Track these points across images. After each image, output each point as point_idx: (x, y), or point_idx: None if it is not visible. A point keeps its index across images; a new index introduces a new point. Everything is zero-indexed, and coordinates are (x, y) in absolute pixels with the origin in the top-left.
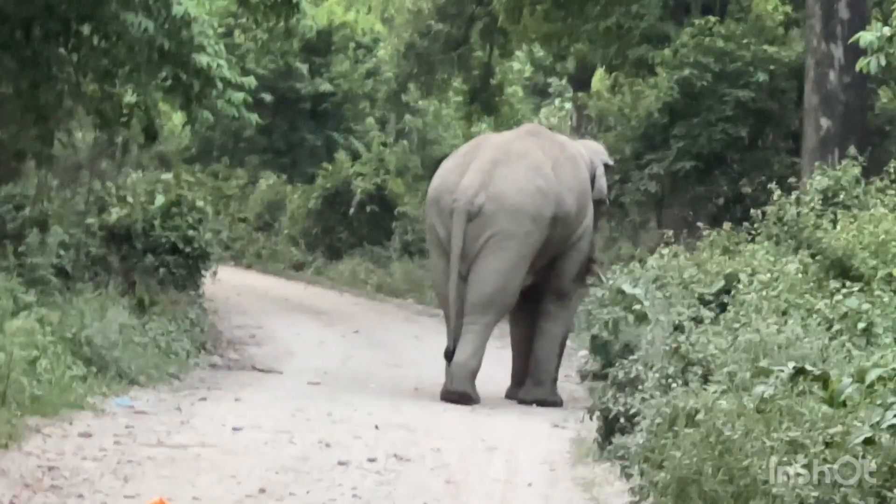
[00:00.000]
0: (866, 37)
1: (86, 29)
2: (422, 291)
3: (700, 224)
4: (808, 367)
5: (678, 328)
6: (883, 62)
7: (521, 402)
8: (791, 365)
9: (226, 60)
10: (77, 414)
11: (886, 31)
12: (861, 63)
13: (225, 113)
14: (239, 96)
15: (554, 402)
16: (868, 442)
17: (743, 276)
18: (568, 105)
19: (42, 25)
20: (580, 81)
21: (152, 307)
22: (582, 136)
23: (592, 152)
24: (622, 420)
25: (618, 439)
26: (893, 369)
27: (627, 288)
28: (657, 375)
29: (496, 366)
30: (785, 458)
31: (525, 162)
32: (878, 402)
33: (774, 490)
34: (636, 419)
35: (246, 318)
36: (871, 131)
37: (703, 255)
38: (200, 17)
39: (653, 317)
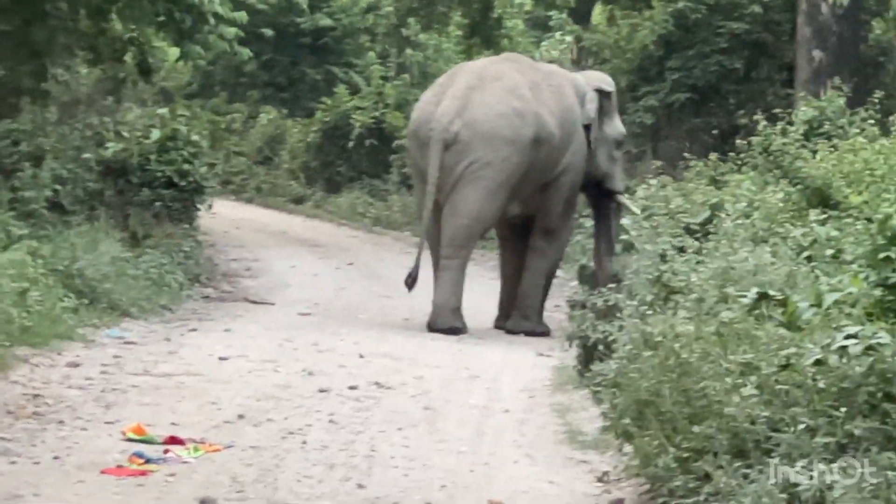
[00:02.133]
0: None
1: None
2: (418, 224)
3: (686, 155)
4: (771, 293)
5: (663, 257)
6: None
7: (509, 332)
8: (754, 290)
9: None
10: (67, 344)
11: None
12: None
13: (217, 48)
14: (231, 31)
15: (541, 332)
16: (818, 363)
17: (728, 206)
18: (569, 38)
19: None
20: (580, 15)
21: (146, 240)
22: (582, 70)
23: (590, 80)
24: (600, 347)
25: (596, 366)
26: (850, 293)
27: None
28: (636, 303)
29: (486, 296)
30: (739, 380)
31: (500, 84)
32: (833, 325)
33: (726, 410)
34: (613, 346)
35: (243, 251)
36: (864, 62)
37: (690, 185)
38: None
39: (639, 246)
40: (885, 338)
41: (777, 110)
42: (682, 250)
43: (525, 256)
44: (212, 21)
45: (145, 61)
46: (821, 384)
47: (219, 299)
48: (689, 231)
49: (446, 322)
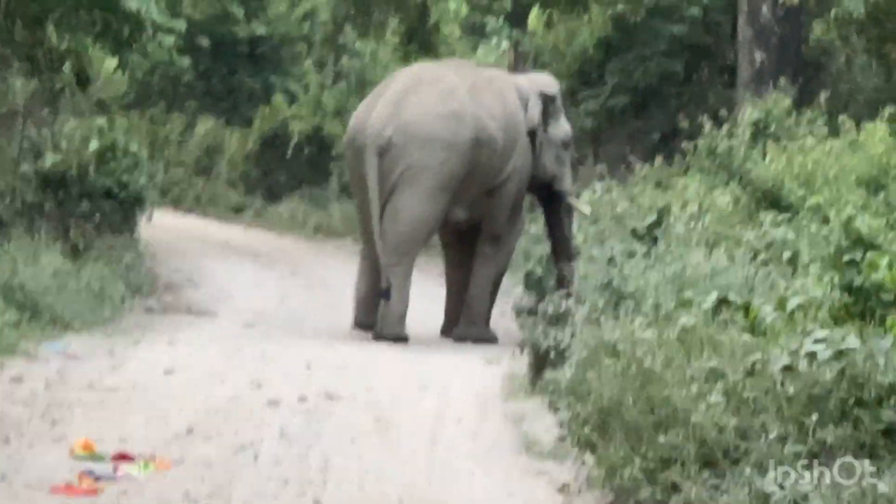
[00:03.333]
0: None
1: None
2: (356, 231)
3: (631, 158)
4: (731, 297)
5: (610, 262)
6: None
7: (457, 340)
8: (713, 295)
9: (155, 4)
10: (8, 359)
11: None
12: None
13: (156, 57)
14: (169, 40)
15: (488, 339)
16: (787, 369)
17: (675, 210)
18: (504, 44)
19: None
20: (517, 19)
21: (87, 252)
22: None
23: (533, 83)
24: (552, 355)
25: (548, 374)
26: (813, 297)
27: None
28: (587, 309)
29: (435, 303)
30: (705, 387)
31: (436, 87)
32: (798, 329)
33: (693, 418)
34: (566, 353)
35: (184, 261)
36: (805, 63)
37: (636, 189)
38: None
39: (586, 252)
40: (854, 342)
41: (721, 112)
42: (630, 255)
43: (471, 263)
44: (150, 30)
45: (83, 71)
46: (790, 390)
47: (162, 311)
48: (636, 235)
49: (393, 330)
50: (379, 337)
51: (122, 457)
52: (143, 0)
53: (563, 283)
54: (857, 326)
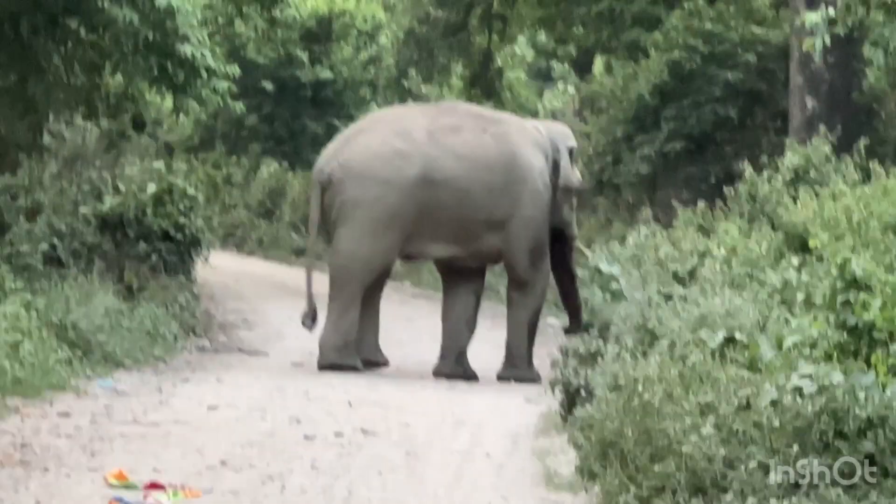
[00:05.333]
0: (811, 17)
1: (72, 22)
2: (418, 274)
3: (674, 202)
4: (738, 336)
5: (650, 304)
6: (828, 42)
7: (500, 378)
8: (721, 334)
9: (210, 50)
10: (58, 395)
11: (831, 12)
12: (807, 44)
13: (210, 102)
14: (223, 85)
15: (530, 378)
16: (774, 403)
17: (717, 254)
18: (571, 89)
19: (29, 19)
20: (582, 65)
21: (141, 292)
22: (583, 121)
23: (557, 135)
24: (583, 392)
25: (578, 411)
26: (809, 335)
27: (604, 266)
28: (616, 348)
29: (483, 344)
30: (699, 420)
31: (389, 127)
32: (792, 366)
33: (685, 449)
34: (593, 391)
35: (241, 303)
36: (857, 110)
37: (678, 233)
38: (184, 7)
39: (628, 294)
40: (837, 377)
41: (773, 157)
42: (669, 297)
43: (468, 303)
44: (204, 75)
45: (140, 115)
46: (776, 423)
47: (213, 351)
48: (677, 278)
49: (328, 359)
50: (319, 366)
51: (154, 486)
52: (197, 46)
53: (577, 319)
54: (846, 363)
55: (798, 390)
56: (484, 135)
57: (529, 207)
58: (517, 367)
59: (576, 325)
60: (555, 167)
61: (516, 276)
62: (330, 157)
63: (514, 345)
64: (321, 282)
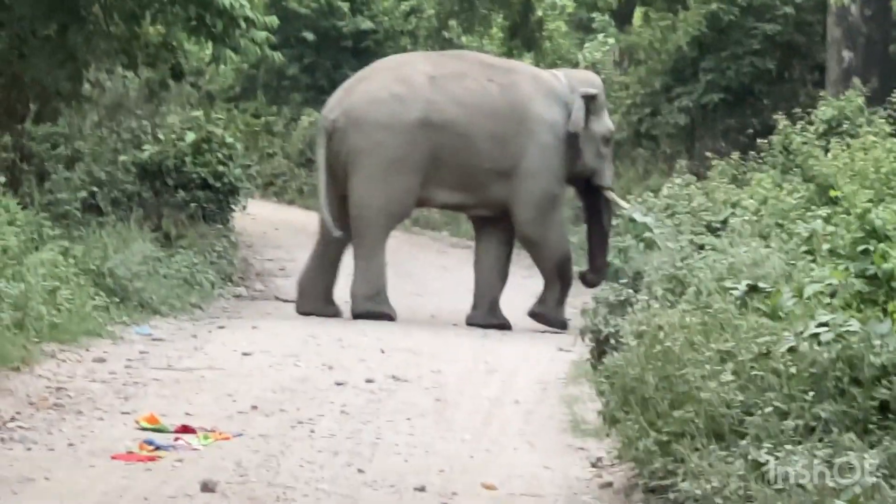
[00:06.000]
0: None
1: None
2: (458, 224)
3: (708, 154)
4: (761, 285)
5: (681, 254)
6: None
7: (529, 314)
8: (744, 282)
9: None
10: (94, 341)
11: None
12: None
13: (248, 52)
14: (261, 35)
15: (558, 322)
16: (791, 350)
17: (748, 204)
18: (611, 41)
19: None
20: (623, 17)
21: (179, 240)
22: (624, 72)
23: (574, 81)
24: (612, 340)
25: (607, 359)
26: (829, 284)
27: (638, 216)
28: (646, 297)
29: (518, 293)
30: (718, 367)
31: (389, 74)
32: (811, 314)
33: (703, 395)
34: (621, 339)
35: (279, 251)
36: (894, 63)
37: (713, 184)
38: None
39: (661, 244)
40: (854, 326)
41: (808, 110)
42: (701, 248)
43: (500, 252)
44: (243, 25)
45: (178, 65)
46: (792, 370)
47: (250, 298)
48: (710, 229)
49: (360, 307)
50: (354, 315)
51: (184, 429)
52: None
53: (598, 272)
54: (865, 312)
55: (815, 338)
56: (489, 83)
57: (536, 159)
58: (546, 305)
59: (594, 276)
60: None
61: (521, 231)
62: (333, 105)
63: (543, 289)
64: None
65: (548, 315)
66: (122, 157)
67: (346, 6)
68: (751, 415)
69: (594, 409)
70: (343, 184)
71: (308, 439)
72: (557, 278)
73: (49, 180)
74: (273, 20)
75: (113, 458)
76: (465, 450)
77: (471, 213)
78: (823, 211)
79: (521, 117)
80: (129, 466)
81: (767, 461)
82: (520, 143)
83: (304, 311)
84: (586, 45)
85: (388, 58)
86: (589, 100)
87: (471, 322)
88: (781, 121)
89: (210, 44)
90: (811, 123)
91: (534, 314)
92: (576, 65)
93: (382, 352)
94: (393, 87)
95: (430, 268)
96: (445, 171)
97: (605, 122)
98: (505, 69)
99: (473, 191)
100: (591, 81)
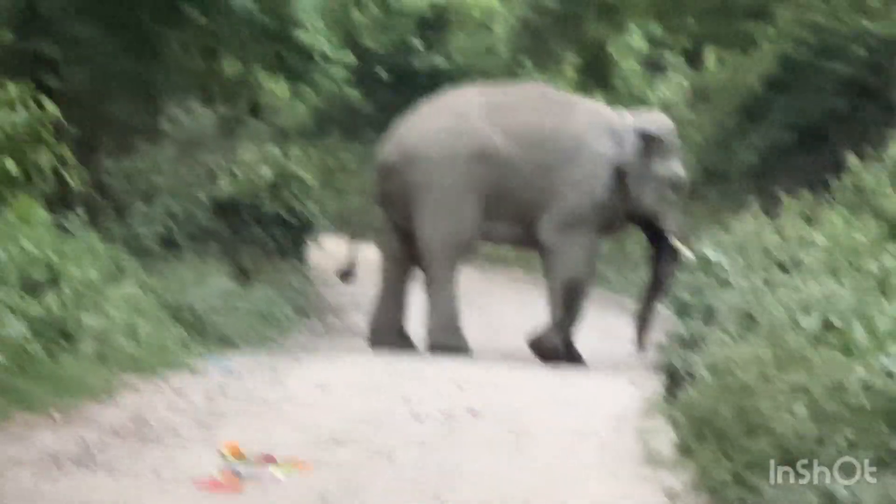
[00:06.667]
0: None
1: (190, 8)
2: (530, 261)
3: (780, 192)
4: (833, 321)
5: (753, 292)
6: None
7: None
8: (817, 318)
9: (325, 37)
10: (174, 373)
11: None
12: None
13: (325, 88)
14: (338, 71)
15: (555, 351)
16: (864, 385)
17: (819, 241)
18: (683, 80)
19: (148, 5)
20: (694, 56)
21: (255, 275)
22: (695, 112)
23: (640, 121)
24: (685, 375)
25: (681, 393)
26: None
27: (710, 254)
28: (719, 332)
29: (588, 326)
30: (792, 400)
31: (444, 108)
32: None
33: (777, 427)
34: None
35: (354, 287)
36: None
37: (783, 222)
38: None
39: (733, 281)
40: None
41: (879, 149)
42: (772, 286)
43: None
44: (319, 61)
45: (256, 101)
46: (865, 404)
47: (326, 333)
48: (781, 266)
49: (435, 341)
50: (429, 349)
51: (267, 459)
52: (313, 32)
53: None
54: None
55: (888, 373)
56: (544, 115)
57: (576, 182)
58: (550, 334)
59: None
60: (641, 154)
61: (540, 238)
62: (390, 142)
63: (549, 313)
64: None
65: (543, 342)
66: (198, 193)
67: (421, 44)
68: (823, 446)
69: (668, 441)
70: (407, 220)
71: (387, 469)
72: (561, 301)
73: (127, 215)
74: (349, 56)
75: (197, 486)
76: (544, 480)
77: (527, 248)
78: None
79: (572, 148)
80: (212, 496)
81: (841, 493)
82: (567, 172)
83: (377, 346)
84: (658, 84)
85: (446, 92)
86: (649, 139)
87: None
88: (852, 159)
89: (287, 80)
90: (881, 161)
91: (531, 345)
92: (647, 104)
93: (458, 385)
94: (447, 122)
95: (504, 303)
96: (499, 204)
97: (672, 167)
98: (564, 102)
99: (526, 225)
100: (656, 123)
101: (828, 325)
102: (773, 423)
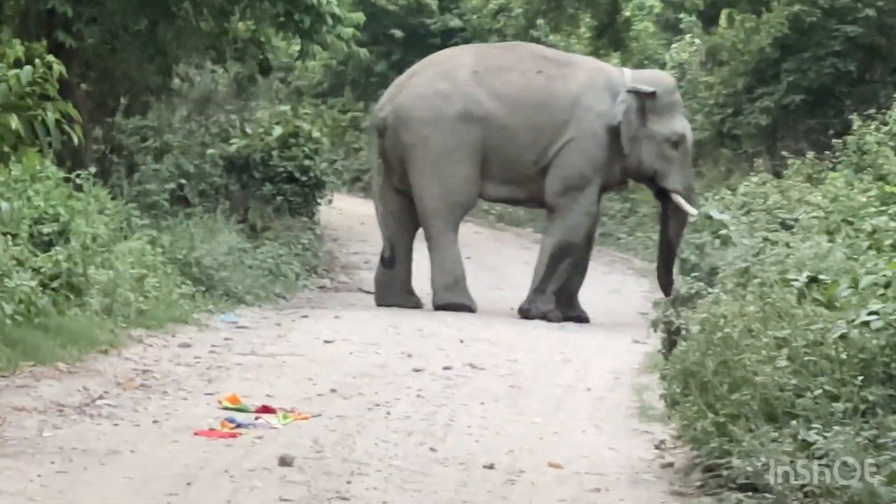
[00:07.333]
0: None
1: None
2: (541, 220)
3: (784, 153)
4: (821, 277)
5: (754, 250)
6: None
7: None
8: (805, 274)
9: None
10: (181, 327)
11: None
12: None
13: (335, 48)
14: (347, 31)
15: (548, 315)
16: (842, 337)
17: (818, 201)
18: (698, 41)
19: None
20: (709, 18)
21: (265, 232)
22: (709, 73)
23: (637, 80)
24: (682, 332)
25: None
26: (884, 275)
27: (714, 214)
28: (717, 290)
29: (595, 285)
30: (774, 353)
31: (435, 69)
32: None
33: (759, 379)
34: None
35: (364, 245)
36: None
37: (788, 182)
38: None
39: (736, 240)
40: None
41: (884, 111)
42: (774, 244)
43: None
44: (330, 21)
45: (266, 61)
46: (843, 355)
47: (334, 289)
48: (784, 226)
49: (440, 299)
50: (435, 307)
51: (265, 409)
52: None
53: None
54: None
55: (866, 325)
56: (537, 75)
57: (577, 141)
58: (540, 296)
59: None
60: (638, 112)
61: (547, 202)
62: (384, 102)
63: (536, 271)
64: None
65: (542, 312)
66: (209, 151)
67: (434, 4)
68: (802, 397)
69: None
70: (403, 179)
71: (383, 420)
72: (548, 259)
73: (138, 172)
74: (360, 17)
75: (195, 434)
76: (535, 432)
77: (525, 207)
78: (892, 208)
79: (569, 107)
80: (210, 442)
81: (815, 440)
82: (564, 132)
83: (383, 304)
84: (673, 45)
85: (438, 53)
86: (645, 97)
87: (526, 308)
88: (856, 121)
89: (298, 39)
90: (885, 124)
91: (526, 309)
92: (663, 65)
93: (461, 341)
94: (437, 84)
95: (512, 262)
96: (492, 164)
97: (671, 124)
98: (560, 62)
99: (522, 184)
100: (654, 81)
101: (814, 281)
102: (755, 376)
